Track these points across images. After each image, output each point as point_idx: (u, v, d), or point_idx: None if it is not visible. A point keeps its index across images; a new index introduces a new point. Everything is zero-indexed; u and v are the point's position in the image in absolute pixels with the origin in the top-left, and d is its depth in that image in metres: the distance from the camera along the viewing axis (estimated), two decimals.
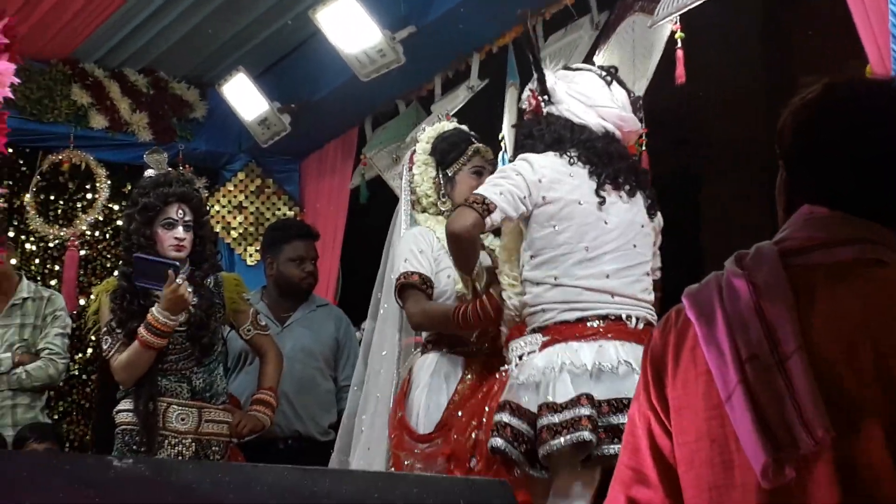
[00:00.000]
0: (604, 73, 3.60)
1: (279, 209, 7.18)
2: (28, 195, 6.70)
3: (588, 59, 4.77)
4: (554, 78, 3.56)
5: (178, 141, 6.94)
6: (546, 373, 3.23)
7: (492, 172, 3.81)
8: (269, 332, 4.65)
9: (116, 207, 6.98)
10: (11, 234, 6.56)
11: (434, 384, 3.74)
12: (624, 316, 3.33)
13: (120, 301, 4.22)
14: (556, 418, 3.12)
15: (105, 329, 4.26)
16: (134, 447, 4.19)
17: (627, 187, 3.48)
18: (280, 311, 5.35)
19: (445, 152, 3.96)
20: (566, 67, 3.64)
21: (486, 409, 3.47)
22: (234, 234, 7.10)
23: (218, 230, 7.02)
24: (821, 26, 5.11)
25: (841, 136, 1.69)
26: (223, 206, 7.10)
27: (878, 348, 1.54)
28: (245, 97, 6.46)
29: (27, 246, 6.87)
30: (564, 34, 5.07)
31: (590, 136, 3.48)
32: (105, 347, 4.25)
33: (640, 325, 3.32)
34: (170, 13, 6.11)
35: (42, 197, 6.83)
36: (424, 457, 3.62)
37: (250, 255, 7.02)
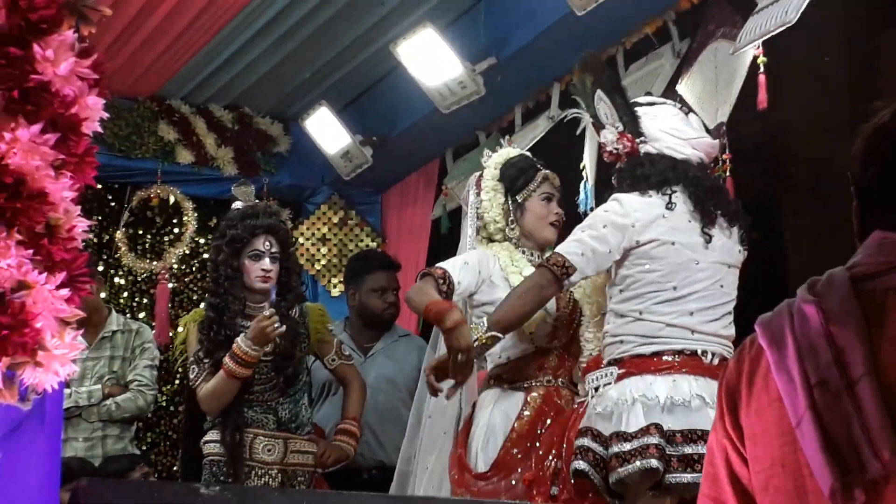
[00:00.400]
0: (679, 105, 3.63)
1: (361, 241, 7.23)
2: (119, 231, 6.82)
3: (670, 88, 4.75)
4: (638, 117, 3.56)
5: (263, 175, 7.03)
6: (619, 403, 3.27)
7: (560, 199, 3.89)
8: (353, 363, 4.68)
9: (203, 241, 7.09)
10: (101, 268, 6.67)
11: (493, 421, 3.70)
12: (700, 351, 3.36)
13: (207, 332, 4.27)
14: (626, 446, 3.17)
15: (193, 359, 4.31)
16: (221, 477, 4.24)
17: (725, 222, 3.50)
18: (363, 342, 5.37)
19: (514, 178, 3.90)
20: (635, 103, 3.59)
21: (566, 438, 3.46)
22: (317, 265, 7.16)
23: (302, 262, 7.08)
24: None
25: None
26: (307, 239, 7.16)
27: None
28: (327, 131, 6.53)
29: (116, 280, 7.00)
30: (646, 63, 5.05)
31: (694, 172, 3.50)
32: (192, 377, 4.30)
33: (716, 361, 3.33)
34: (254, 50, 6.21)
35: (131, 232, 6.96)
36: (481, 495, 3.60)
37: (334, 287, 7.07)
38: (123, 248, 6.79)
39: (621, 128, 3.52)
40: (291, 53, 6.23)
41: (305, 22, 5.86)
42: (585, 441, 3.29)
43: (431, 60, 5.42)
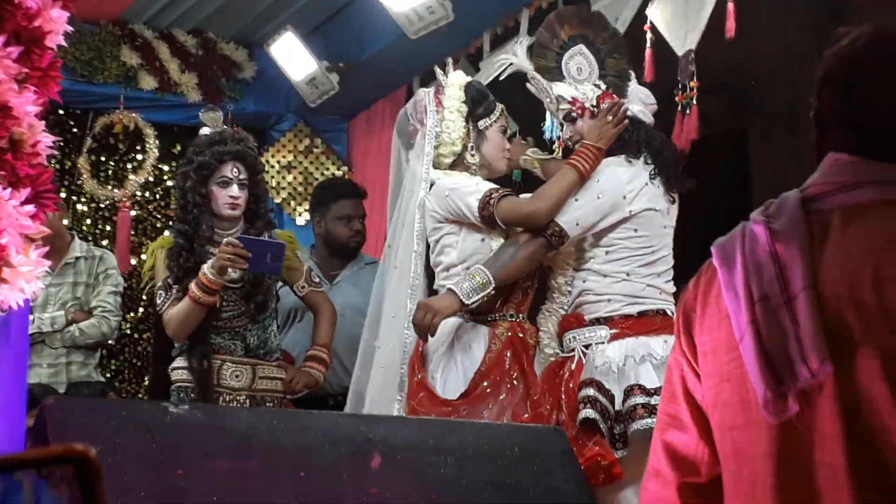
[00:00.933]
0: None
1: (327, 168, 7.19)
2: (81, 157, 6.74)
3: (640, 13, 4.72)
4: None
5: (227, 101, 6.94)
6: (627, 361, 3.42)
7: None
8: (323, 290, 4.66)
9: (166, 168, 7.03)
10: (63, 194, 6.59)
11: (455, 354, 3.71)
12: (667, 311, 3.56)
13: (176, 258, 4.23)
14: (651, 400, 3.29)
15: (160, 284, 4.28)
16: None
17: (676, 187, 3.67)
18: (329, 270, 5.35)
19: (478, 103, 3.82)
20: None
21: (564, 390, 3.54)
22: (283, 193, 7.12)
23: (267, 190, 7.03)
24: None
25: (856, 82, 1.70)
26: (272, 166, 7.11)
27: (877, 277, 1.56)
28: (293, 57, 6.45)
29: (79, 207, 6.93)
30: None
31: (659, 142, 3.66)
32: (158, 302, 4.27)
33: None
34: None
35: (93, 158, 6.87)
36: None
37: (299, 215, 7.04)
38: (86, 175, 6.72)
39: (604, 87, 3.61)
40: None
41: None
42: (591, 391, 3.39)
43: None
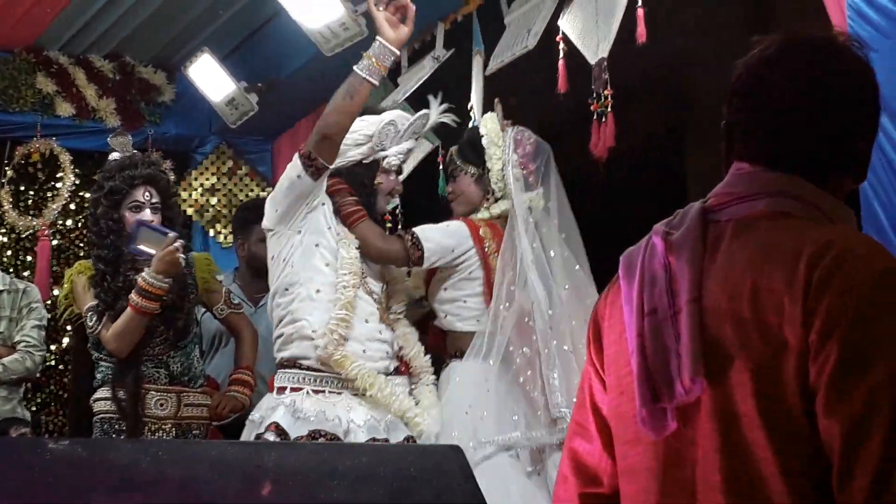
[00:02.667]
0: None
1: (252, 190, 7.14)
2: (2, 189, 6.62)
3: (552, 24, 4.71)
4: None
5: (148, 125, 6.91)
6: None
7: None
8: (243, 312, 4.61)
9: (87, 195, 6.92)
10: None
11: None
12: None
13: (102, 283, 4.18)
14: None
15: (89, 306, 4.21)
16: (114, 435, 4.15)
17: None
18: (253, 292, 5.30)
19: None
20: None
21: None
22: (207, 216, 7.05)
23: (191, 213, 6.97)
24: None
25: (758, 91, 1.70)
26: (195, 189, 7.05)
27: (755, 288, 1.55)
28: (211, 78, 6.37)
29: None
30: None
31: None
32: (91, 324, 4.20)
33: None
34: None
35: (13, 188, 6.76)
36: None
37: (224, 238, 6.97)
38: (7, 206, 6.61)
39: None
40: None
41: None
42: None
43: (312, 2, 5.31)
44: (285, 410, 3.67)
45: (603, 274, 3.60)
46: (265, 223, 3.92)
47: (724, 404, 1.55)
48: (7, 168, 6.70)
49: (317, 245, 3.81)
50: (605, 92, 4.29)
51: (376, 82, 3.83)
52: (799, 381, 1.49)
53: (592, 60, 4.36)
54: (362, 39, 5.35)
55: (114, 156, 4.38)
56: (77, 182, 6.76)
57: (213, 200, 7.08)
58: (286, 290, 3.83)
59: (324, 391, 3.76)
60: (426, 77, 5.46)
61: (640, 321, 1.64)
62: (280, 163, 7.17)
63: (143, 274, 4.04)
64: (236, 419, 4.50)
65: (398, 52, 3.84)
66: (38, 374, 5.90)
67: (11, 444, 1.77)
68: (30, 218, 6.68)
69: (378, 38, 3.82)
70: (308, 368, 3.79)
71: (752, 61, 1.72)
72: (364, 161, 3.97)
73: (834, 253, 1.52)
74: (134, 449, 1.74)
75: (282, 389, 3.80)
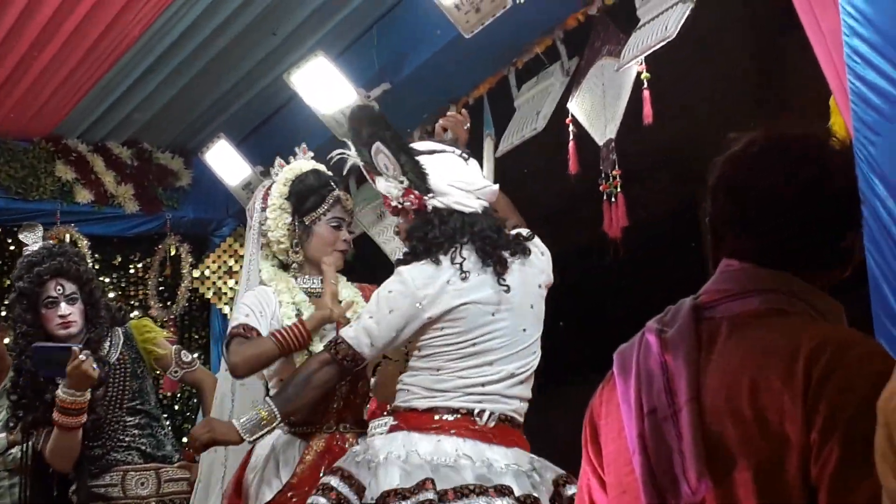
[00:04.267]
0: (459, 151, 3.32)
1: None
2: None
3: (561, 106, 4.79)
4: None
5: (166, 210, 6.98)
6: (381, 455, 3.10)
7: (350, 223, 3.69)
8: (197, 366, 4.45)
9: (107, 280, 6.99)
10: (2, 313, 6.54)
11: (268, 467, 3.50)
12: (476, 411, 3.16)
13: (14, 397, 4.11)
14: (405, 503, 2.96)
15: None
16: None
17: (520, 255, 3.27)
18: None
19: (303, 198, 3.59)
20: (416, 152, 3.25)
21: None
22: (224, 299, 7.10)
23: (209, 296, 7.03)
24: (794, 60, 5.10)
25: (741, 190, 1.71)
26: (213, 272, 7.10)
27: (753, 387, 1.56)
28: (228, 163, 6.50)
29: None
30: (536, 82, 5.08)
31: (481, 224, 3.22)
32: (31, 442, 4.15)
33: (492, 423, 3.15)
34: (149, 84, 6.16)
35: None
36: None
37: None
38: None
39: (406, 183, 3.21)
40: (187, 86, 6.19)
41: (199, 54, 5.82)
42: (332, 480, 3.08)
43: (325, 88, 5.42)
44: None
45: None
46: None
47: (728, 503, 1.55)
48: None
49: None
50: (614, 172, 4.34)
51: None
52: (802, 478, 1.50)
53: (601, 141, 4.42)
54: None
55: (28, 249, 4.28)
56: (97, 267, 6.80)
57: (231, 283, 7.14)
58: None
59: None
60: None
61: (640, 421, 1.65)
62: None
63: (59, 391, 3.92)
64: None
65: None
66: None
67: None
68: None
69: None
70: None
71: (732, 160, 1.73)
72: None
73: (832, 350, 1.53)
74: None
75: None
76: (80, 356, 3.82)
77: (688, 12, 4.02)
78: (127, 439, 4.18)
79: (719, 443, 1.57)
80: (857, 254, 1.74)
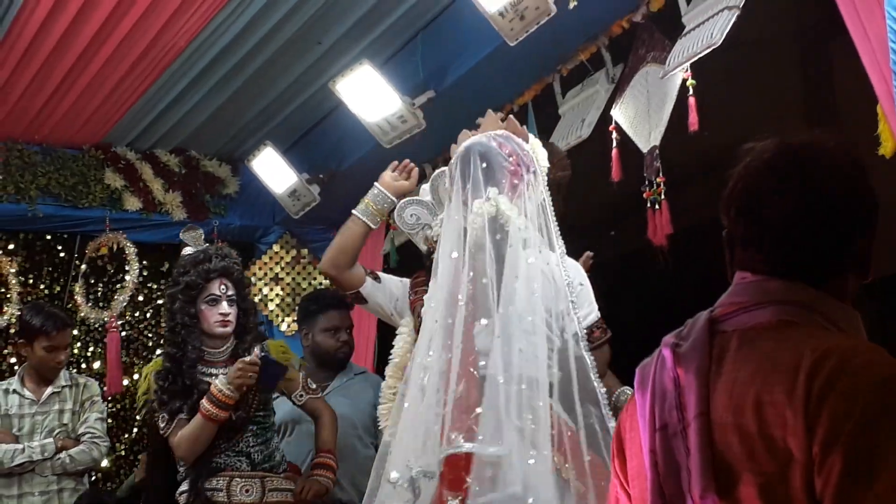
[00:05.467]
0: None
1: (315, 278, 7.22)
2: (77, 283, 6.74)
3: (605, 113, 4.78)
4: None
5: (212, 217, 7.02)
6: None
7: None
8: (321, 395, 4.63)
9: (156, 287, 7.06)
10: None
11: None
12: None
13: (163, 381, 4.24)
14: None
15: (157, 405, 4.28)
16: None
17: None
18: (318, 381, 5.28)
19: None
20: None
21: None
22: (271, 305, 7.14)
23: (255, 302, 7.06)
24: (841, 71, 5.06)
25: (754, 201, 1.71)
26: (259, 279, 7.15)
27: (758, 402, 1.55)
28: (274, 171, 6.53)
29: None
30: (581, 89, 5.07)
31: None
32: (162, 426, 4.26)
33: None
34: (196, 93, 6.20)
35: (84, 281, 6.91)
36: None
37: (287, 326, 7.05)
38: (80, 300, 6.74)
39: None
40: (234, 95, 6.23)
41: (246, 63, 5.86)
42: None
43: (370, 96, 5.44)
44: None
45: None
46: None
47: None
48: (77, 262, 6.85)
49: None
50: (658, 179, 4.33)
51: (371, 224, 3.97)
52: (807, 493, 1.49)
53: (644, 149, 4.41)
54: (420, 131, 5.49)
55: (187, 250, 4.45)
56: (145, 274, 6.87)
57: (278, 290, 7.18)
58: None
59: None
60: None
61: (652, 437, 1.66)
62: None
63: (216, 382, 4.11)
64: (318, 503, 4.53)
65: (395, 200, 3.96)
66: (106, 462, 5.97)
67: None
68: (99, 310, 6.81)
69: (377, 183, 4.04)
70: None
71: (747, 171, 1.73)
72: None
73: (832, 363, 1.52)
74: None
75: None
76: (253, 357, 4.14)
77: (734, 19, 4.00)
78: (241, 445, 4.26)
79: (726, 458, 1.56)
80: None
